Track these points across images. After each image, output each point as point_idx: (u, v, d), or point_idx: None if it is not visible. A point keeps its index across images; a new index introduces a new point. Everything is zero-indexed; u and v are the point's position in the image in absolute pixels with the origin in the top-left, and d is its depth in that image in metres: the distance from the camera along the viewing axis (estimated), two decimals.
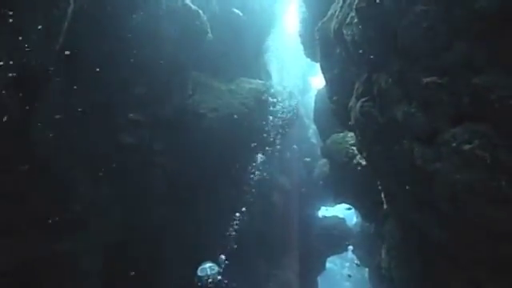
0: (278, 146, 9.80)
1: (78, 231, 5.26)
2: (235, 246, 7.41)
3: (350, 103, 4.19)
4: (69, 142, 5.01)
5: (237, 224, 7.59)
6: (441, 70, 2.69)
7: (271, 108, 8.93)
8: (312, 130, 12.56)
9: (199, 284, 5.54)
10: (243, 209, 7.72)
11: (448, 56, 2.63)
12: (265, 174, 8.95)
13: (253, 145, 8.07)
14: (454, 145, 2.60)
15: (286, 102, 9.95)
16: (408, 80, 2.95)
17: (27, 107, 4.48)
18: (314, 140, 12.80)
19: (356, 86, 4.02)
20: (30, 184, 4.87)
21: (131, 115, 5.91)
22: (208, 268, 5.65)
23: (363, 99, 3.76)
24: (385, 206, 6.78)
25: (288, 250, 10.77)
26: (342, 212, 13.96)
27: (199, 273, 5.53)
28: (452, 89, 2.62)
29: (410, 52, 2.85)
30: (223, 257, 6.63)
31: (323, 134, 10.08)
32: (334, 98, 6.43)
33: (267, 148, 8.46)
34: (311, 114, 11.02)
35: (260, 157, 8.31)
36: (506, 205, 2.41)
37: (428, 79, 2.74)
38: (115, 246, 5.98)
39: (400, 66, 3.02)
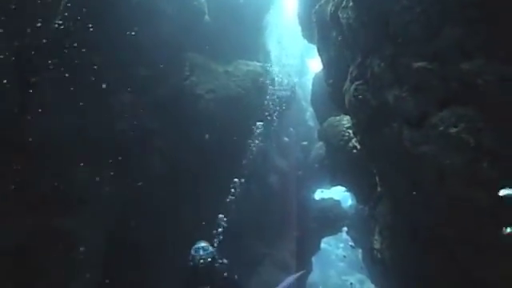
0: (275, 124, 9.87)
1: (78, 212, 5.41)
2: (231, 226, 7.59)
3: (345, 86, 4.28)
4: (67, 125, 5.10)
5: (233, 203, 7.72)
6: (431, 55, 2.77)
7: (269, 88, 8.96)
8: (309, 112, 12.64)
9: (191, 263, 5.52)
10: (237, 185, 7.84)
11: (439, 42, 2.70)
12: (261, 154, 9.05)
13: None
14: (441, 128, 2.71)
15: (285, 81, 9.97)
16: (400, 65, 3.03)
17: (25, 91, 4.57)
18: (311, 123, 12.90)
19: (350, 70, 4.10)
20: (29, 167, 4.99)
21: (129, 96, 5.95)
22: (201, 248, 5.56)
23: (357, 82, 3.84)
24: (379, 189, 6.96)
25: (284, 231, 11.03)
26: (337, 194, 14.22)
27: (193, 252, 5.48)
28: (441, 74, 2.71)
29: (401, 37, 2.92)
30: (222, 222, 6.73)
31: (320, 116, 10.16)
32: (330, 80, 6.50)
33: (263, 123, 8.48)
34: (309, 97, 11.09)
35: (259, 126, 8.35)
36: (488, 186, 2.54)
37: (418, 64, 2.83)
38: (115, 226, 6.16)
39: (392, 50, 3.09)
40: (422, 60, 2.82)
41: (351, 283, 13.48)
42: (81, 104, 5.30)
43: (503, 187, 2.37)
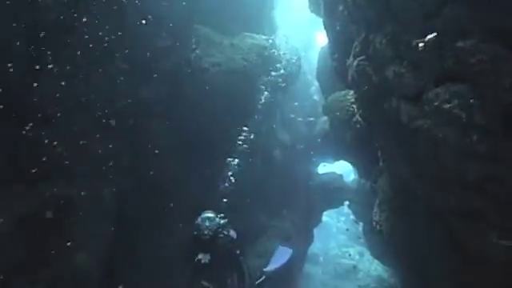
0: (279, 98, 9.95)
1: (90, 178, 5.72)
2: (234, 198, 7.89)
3: (348, 61, 4.42)
4: (77, 95, 5.31)
5: (237, 174, 7.95)
6: (432, 31, 2.90)
7: (275, 61, 9.03)
8: (315, 87, 12.72)
9: (195, 233, 5.62)
10: (236, 161, 8.02)
11: (437, 21, 2.84)
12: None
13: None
14: (436, 104, 2.89)
15: (290, 55, 10.00)
16: (400, 42, 3.18)
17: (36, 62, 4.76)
18: (316, 97, 13.02)
19: (354, 45, 4.23)
20: (42, 136, 5.25)
21: (135, 68, 6.11)
22: (207, 219, 5.64)
23: (359, 58, 3.99)
24: (380, 163, 7.19)
25: (287, 203, 11.40)
26: (341, 169, 14.52)
27: (199, 221, 5.59)
28: (439, 52, 2.86)
29: (402, 15, 3.05)
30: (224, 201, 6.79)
31: (325, 91, 10.28)
32: (336, 55, 6.61)
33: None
34: (314, 71, 11.15)
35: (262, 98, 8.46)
36: (476, 158, 2.75)
37: (417, 41, 2.97)
38: (126, 194, 6.49)
39: (393, 28, 3.23)
40: (421, 37, 2.96)
41: (349, 254, 13.99)
42: (88, 75, 5.50)
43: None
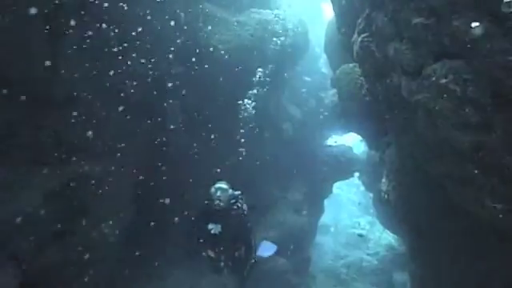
0: (287, 72, 10.04)
1: (111, 155, 6.14)
2: (245, 171, 8.23)
3: (353, 38, 4.62)
4: (94, 76, 5.64)
5: (247, 147, 8.12)
6: (429, 11, 3.11)
7: (282, 36, 9.13)
8: (323, 59, 12.80)
9: (206, 202, 5.67)
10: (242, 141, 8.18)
11: None
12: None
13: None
14: (434, 79, 3.14)
15: (298, 28, 10.06)
16: (400, 20, 3.38)
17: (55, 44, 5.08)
18: (324, 70, 13.12)
19: (358, 22, 4.42)
20: (60, 117, 5.64)
21: (148, 47, 6.37)
22: (219, 189, 5.62)
23: (363, 35, 4.19)
24: (388, 135, 7.44)
25: (297, 176, 11.79)
26: (351, 141, 14.78)
27: (212, 191, 5.62)
28: (436, 29, 3.08)
29: None
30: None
31: (333, 64, 10.39)
32: (343, 29, 6.74)
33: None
34: (322, 44, 11.20)
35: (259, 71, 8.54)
36: (469, 129, 3.03)
37: (417, 20, 3.18)
38: (144, 169, 6.92)
39: (393, 6, 3.42)
40: (420, 16, 3.17)
41: (358, 223, 14.45)
42: (102, 58, 5.80)
43: None
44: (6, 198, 5.32)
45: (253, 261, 6.12)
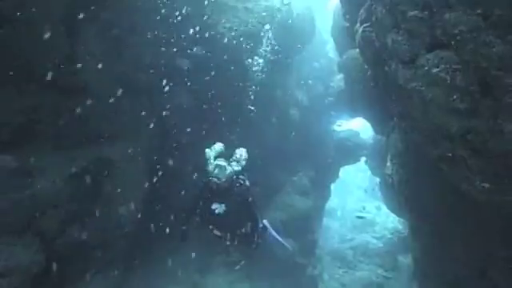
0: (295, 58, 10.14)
1: (126, 140, 6.58)
2: (253, 155, 8.56)
3: (355, 27, 4.91)
4: (110, 67, 6.04)
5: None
6: (423, 5, 3.41)
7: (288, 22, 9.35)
8: (330, 44, 12.99)
9: (209, 181, 5.47)
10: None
11: None
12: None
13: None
14: (426, 68, 3.46)
15: (304, 15, 10.26)
16: (398, 12, 3.68)
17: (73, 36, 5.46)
18: (331, 55, 13.32)
19: (361, 12, 4.70)
20: (79, 105, 6.06)
21: (157, 37, 6.73)
22: (218, 167, 5.41)
23: (365, 25, 4.49)
24: (392, 120, 7.73)
25: (304, 160, 12.17)
26: (359, 126, 15.04)
27: (210, 169, 5.44)
28: (430, 22, 3.38)
29: None
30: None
31: (340, 48, 10.61)
32: (347, 16, 7.00)
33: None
34: (329, 29, 11.40)
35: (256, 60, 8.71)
36: (458, 114, 3.36)
37: (412, 12, 3.48)
38: (155, 152, 7.36)
39: None
40: (415, 9, 3.47)
41: (363, 207, 14.85)
42: (116, 49, 6.18)
43: None
44: (30, 181, 5.82)
45: (259, 239, 6.03)
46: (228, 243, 5.77)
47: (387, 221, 14.50)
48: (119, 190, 6.66)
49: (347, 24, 7.08)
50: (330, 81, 12.87)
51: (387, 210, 13.32)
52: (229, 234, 5.70)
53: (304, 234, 10.95)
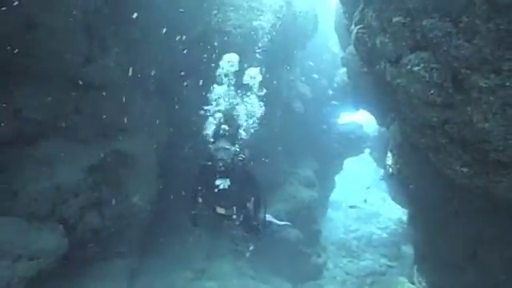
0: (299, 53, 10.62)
1: (138, 135, 7.27)
2: (257, 148, 9.09)
3: (351, 28, 5.51)
4: (125, 65, 6.71)
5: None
6: (405, 12, 4.01)
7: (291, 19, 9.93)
8: (333, 39, 13.53)
9: (208, 163, 5.68)
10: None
11: (411, 2, 3.93)
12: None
13: None
14: (409, 67, 4.07)
15: (307, 11, 10.83)
16: (384, 17, 4.28)
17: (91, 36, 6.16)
18: (335, 49, 13.88)
19: (355, 14, 5.30)
20: (96, 101, 6.74)
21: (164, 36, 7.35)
22: (221, 149, 5.56)
23: (358, 26, 5.09)
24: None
25: (308, 152, 12.80)
26: (364, 118, 15.58)
27: (212, 151, 5.64)
28: (411, 27, 3.98)
29: None
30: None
31: (343, 43, 11.17)
32: (347, 14, 7.55)
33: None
34: (333, 23, 11.95)
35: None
36: (436, 107, 3.97)
37: (396, 18, 4.09)
38: (165, 147, 8.05)
39: (380, 5, 4.32)
40: (398, 15, 4.07)
41: (365, 200, 15.40)
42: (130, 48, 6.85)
43: None
44: (53, 172, 6.53)
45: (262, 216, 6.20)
46: (232, 221, 5.89)
47: (392, 212, 15.11)
48: (134, 180, 7.37)
49: (347, 22, 7.64)
50: (333, 75, 13.44)
51: (392, 202, 13.91)
52: (234, 209, 5.80)
53: (308, 224, 11.60)
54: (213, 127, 6.02)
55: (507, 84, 3.33)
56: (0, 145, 6.02)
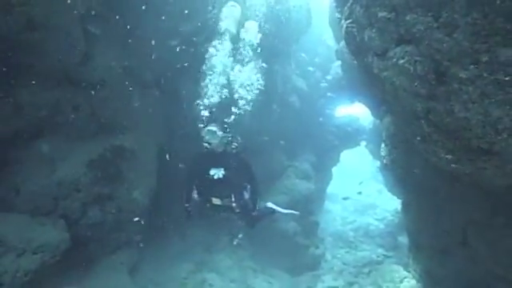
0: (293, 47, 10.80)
1: (137, 131, 7.51)
2: (254, 142, 9.32)
3: (341, 22, 5.74)
4: (122, 63, 6.94)
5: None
6: (390, 8, 4.25)
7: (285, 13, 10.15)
8: (328, 32, 13.74)
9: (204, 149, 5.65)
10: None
11: None
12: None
13: None
14: (394, 60, 4.31)
15: (300, 5, 11.03)
16: (371, 13, 4.51)
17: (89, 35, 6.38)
18: (330, 42, 14.09)
19: (345, 9, 5.53)
20: (95, 98, 6.97)
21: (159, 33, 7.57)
22: (210, 132, 5.59)
23: (348, 21, 5.33)
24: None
25: (305, 145, 13.07)
26: (360, 111, 15.83)
27: (204, 135, 5.66)
28: (396, 22, 4.22)
29: None
30: None
31: (337, 36, 11.40)
32: (339, 9, 7.78)
33: None
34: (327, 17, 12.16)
35: None
36: (420, 98, 4.22)
37: (381, 14, 4.32)
38: (163, 143, 8.29)
39: (366, 1, 4.55)
40: (384, 11, 4.31)
41: (360, 192, 15.69)
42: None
43: None
44: (55, 168, 6.78)
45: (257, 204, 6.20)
46: (230, 211, 5.90)
47: (388, 203, 15.42)
48: (133, 175, 7.62)
49: (338, 16, 7.86)
50: (328, 68, 13.67)
51: (388, 193, 14.20)
52: (230, 199, 5.78)
53: (306, 216, 11.89)
54: (206, 113, 6.13)
55: (484, 75, 3.58)
56: (1, 142, 6.26)
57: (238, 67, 6.81)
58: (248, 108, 6.73)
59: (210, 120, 6.07)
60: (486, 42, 3.52)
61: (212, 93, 6.63)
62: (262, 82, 6.75)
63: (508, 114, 3.67)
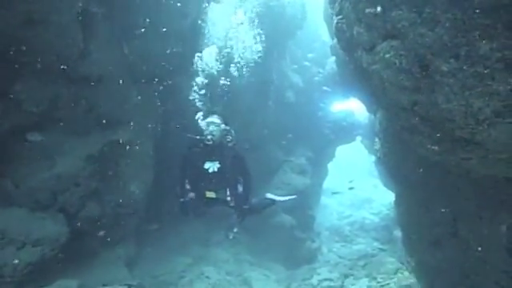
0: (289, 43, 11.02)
1: (134, 126, 7.71)
2: (251, 137, 9.55)
3: (333, 18, 5.95)
4: (119, 59, 7.13)
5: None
6: (377, 4, 4.46)
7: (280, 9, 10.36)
8: (323, 28, 13.94)
9: (202, 138, 5.65)
10: None
11: None
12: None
13: None
14: (381, 54, 4.53)
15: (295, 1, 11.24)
16: (359, 9, 4.72)
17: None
18: (325, 38, 14.30)
19: (336, 5, 5.74)
20: (93, 93, 7.16)
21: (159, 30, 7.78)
22: (212, 124, 5.61)
23: (338, 17, 5.53)
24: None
25: (301, 141, 13.29)
26: (356, 106, 16.03)
27: (203, 126, 5.74)
28: (382, 18, 4.43)
29: None
30: None
31: (332, 32, 11.59)
32: (331, 5, 7.99)
33: None
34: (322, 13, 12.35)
35: None
36: (406, 91, 4.44)
37: (368, 10, 4.54)
38: (160, 138, 8.49)
39: None
40: (371, 7, 4.52)
41: (352, 187, 15.92)
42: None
43: None
44: (53, 163, 6.98)
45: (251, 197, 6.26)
46: (225, 204, 5.99)
47: (384, 197, 15.68)
48: (130, 169, 7.83)
49: (332, 11, 8.07)
50: (324, 63, 13.88)
51: (384, 188, 14.45)
52: (225, 192, 5.88)
53: (302, 211, 12.14)
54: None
55: (464, 68, 3.80)
56: (0, 137, 6.44)
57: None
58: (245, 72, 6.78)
59: (209, 112, 6.14)
60: (465, 36, 3.74)
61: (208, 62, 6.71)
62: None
63: (488, 105, 3.90)
